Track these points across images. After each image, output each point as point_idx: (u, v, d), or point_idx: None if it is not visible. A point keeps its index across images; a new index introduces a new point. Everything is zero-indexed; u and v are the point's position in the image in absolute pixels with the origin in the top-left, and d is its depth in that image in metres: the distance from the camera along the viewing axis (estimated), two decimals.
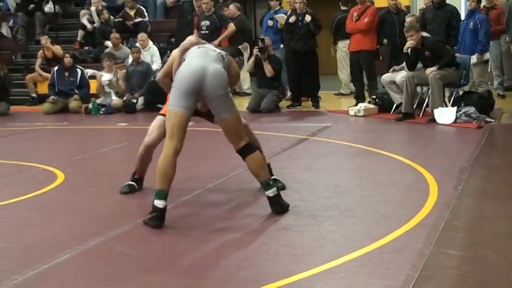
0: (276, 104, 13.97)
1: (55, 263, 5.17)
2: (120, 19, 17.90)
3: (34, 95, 16.77)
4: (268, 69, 13.60)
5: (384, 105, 12.85)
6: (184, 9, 18.36)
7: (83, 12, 18.78)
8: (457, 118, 11.21)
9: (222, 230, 5.91)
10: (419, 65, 11.99)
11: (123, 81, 15.05)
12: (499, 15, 14.16)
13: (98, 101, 15.07)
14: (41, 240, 5.81)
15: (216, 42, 12.53)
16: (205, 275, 4.90)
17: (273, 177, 6.92)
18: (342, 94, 16.21)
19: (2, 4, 20.57)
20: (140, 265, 5.14)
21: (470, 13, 13.59)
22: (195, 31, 14.72)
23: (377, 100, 13.05)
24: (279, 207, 6.28)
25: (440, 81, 11.59)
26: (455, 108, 11.39)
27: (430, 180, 7.34)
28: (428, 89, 11.92)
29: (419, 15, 14.20)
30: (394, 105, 12.56)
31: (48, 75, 16.24)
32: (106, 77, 15.07)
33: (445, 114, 11.34)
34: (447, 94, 12.74)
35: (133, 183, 7.35)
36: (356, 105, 13.28)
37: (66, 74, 15.62)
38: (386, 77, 12.74)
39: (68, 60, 15.61)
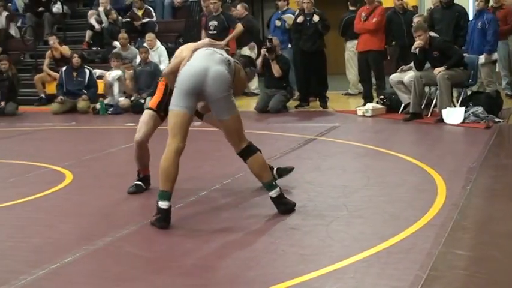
0: (283, 104, 13.96)
1: (63, 263, 5.18)
2: (128, 19, 17.91)
3: (42, 95, 16.79)
4: (276, 70, 13.59)
5: (392, 105, 12.82)
6: (192, 10, 18.36)
7: (90, 12, 18.79)
8: (465, 118, 11.19)
9: (229, 231, 5.91)
10: (428, 65, 11.97)
11: (130, 81, 15.07)
12: (506, 15, 14.12)
13: (106, 101, 15.09)
14: (49, 240, 5.83)
15: (224, 42, 12.54)
16: (212, 275, 4.90)
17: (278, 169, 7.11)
18: (350, 94, 16.18)
19: (10, 5, 20.61)
20: (147, 265, 5.15)
21: (479, 13, 13.55)
22: (203, 31, 14.73)
23: (385, 100, 13.03)
24: (284, 206, 6.29)
25: (448, 81, 11.56)
26: (464, 108, 11.37)
27: (439, 180, 7.32)
28: (437, 89, 11.89)
29: (427, 15, 14.17)
30: (402, 105, 12.54)
31: (57, 75, 16.27)
32: (114, 73, 15.11)
33: (453, 115, 11.32)
34: (455, 94, 12.71)
35: (140, 183, 7.36)
36: (364, 105, 13.26)
37: (74, 74, 15.64)
38: (394, 77, 12.72)
39: (76, 60, 15.63)
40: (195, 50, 6.44)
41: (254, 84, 16.38)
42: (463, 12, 13.46)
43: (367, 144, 9.78)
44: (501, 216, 6.13)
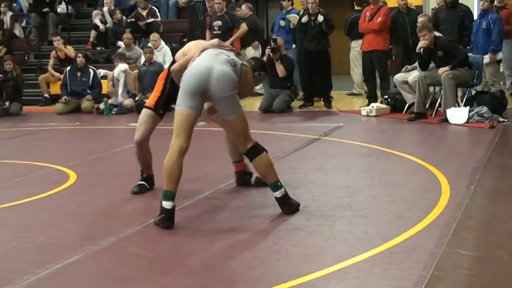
0: (288, 104, 13.97)
1: (67, 263, 5.18)
2: (133, 19, 17.93)
3: (47, 95, 16.80)
4: (280, 70, 13.59)
5: (396, 105, 12.83)
6: (196, 10, 18.36)
7: (95, 12, 18.82)
8: (469, 118, 11.18)
9: (233, 231, 5.91)
10: (432, 64, 11.96)
11: (134, 81, 15.10)
12: (509, 15, 14.11)
13: (110, 101, 15.10)
14: (53, 240, 5.83)
15: (228, 42, 12.53)
16: (216, 275, 4.90)
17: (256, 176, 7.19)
18: (354, 94, 16.18)
19: (15, 5, 20.64)
20: (151, 265, 5.15)
21: (483, 13, 13.54)
22: (207, 31, 14.73)
23: (389, 100, 13.03)
24: (289, 207, 6.28)
25: (452, 81, 11.55)
26: (468, 108, 11.36)
27: (443, 180, 7.31)
28: (441, 89, 11.89)
29: (432, 15, 14.16)
30: (407, 105, 12.54)
31: (60, 76, 16.31)
32: (120, 67, 15.16)
33: (458, 114, 11.31)
34: (460, 94, 12.71)
35: (143, 182, 7.36)
36: (368, 105, 13.25)
37: (79, 74, 15.66)
38: (398, 76, 12.71)
39: (80, 60, 15.65)
40: (203, 49, 6.43)
41: (258, 84, 16.37)
42: (467, 12, 13.46)
43: (371, 144, 9.77)
44: (505, 216, 6.12)
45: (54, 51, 17.03)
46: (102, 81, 15.91)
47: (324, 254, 5.21)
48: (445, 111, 11.51)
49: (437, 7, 14.46)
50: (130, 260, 5.29)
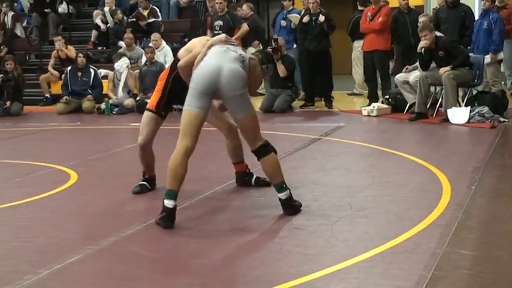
0: (289, 104, 13.97)
1: (68, 263, 5.18)
2: (134, 19, 17.93)
3: (48, 95, 16.80)
4: (281, 69, 13.58)
5: (397, 105, 12.83)
6: (197, 9, 18.37)
7: (96, 12, 18.83)
8: (470, 118, 11.18)
9: (234, 230, 5.90)
10: (433, 64, 11.95)
11: (134, 79, 15.13)
12: (509, 15, 14.11)
13: (111, 101, 15.10)
14: (54, 240, 5.83)
15: (233, 39, 12.53)
16: (216, 275, 4.90)
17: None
18: (355, 94, 16.18)
19: (16, 4, 20.65)
20: (152, 265, 5.15)
21: (485, 12, 13.55)
22: (208, 31, 14.73)
23: (390, 100, 13.03)
24: (292, 209, 6.25)
25: (453, 81, 11.55)
26: (469, 108, 11.36)
27: (443, 180, 7.31)
28: (442, 89, 11.89)
29: (433, 15, 14.16)
30: (408, 105, 12.54)
31: (57, 73, 16.43)
32: (121, 61, 15.18)
33: (459, 114, 11.31)
34: (461, 94, 12.71)
35: (145, 183, 7.36)
36: (369, 105, 13.25)
37: (79, 74, 15.66)
38: (399, 76, 12.71)
39: (81, 60, 15.65)
40: (210, 45, 6.42)
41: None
42: (468, 11, 13.47)
43: (372, 144, 9.77)
44: (506, 216, 6.12)
45: (55, 51, 17.02)
46: (103, 81, 15.92)
47: (324, 254, 5.21)
48: (446, 111, 11.51)
49: (438, 7, 14.45)
50: (131, 260, 5.29)
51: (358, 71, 15.73)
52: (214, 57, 6.23)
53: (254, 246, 5.54)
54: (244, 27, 14.56)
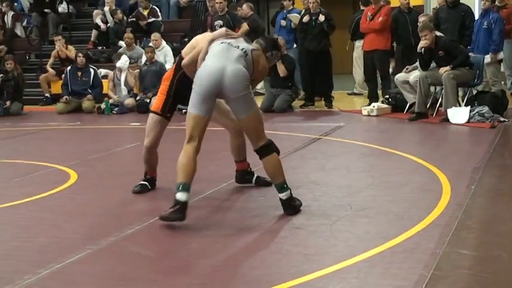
0: (289, 103, 13.98)
1: (68, 263, 5.18)
2: (134, 19, 17.93)
3: (47, 95, 16.81)
4: (281, 69, 13.59)
5: (397, 104, 12.83)
6: (197, 9, 18.37)
7: (96, 12, 18.84)
8: (470, 118, 11.18)
9: (234, 230, 5.90)
10: (433, 64, 11.96)
11: (134, 78, 15.15)
12: (509, 15, 14.11)
13: (111, 100, 15.10)
14: (54, 240, 5.83)
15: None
16: (217, 274, 4.90)
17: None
18: (355, 94, 16.18)
19: (16, 4, 20.65)
20: (152, 265, 5.15)
21: (485, 12, 13.55)
22: (208, 31, 14.71)
23: (390, 100, 13.03)
24: (292, 210, 6.25)
25: (453, 81, 11.55)
26: (469, 107, 11.37)
27: (443, 180, 7.31)
28: (442, 89, 11.89)
29: (433, 15, 14.17)
30: (408, 105, 12.54)
31: (54, 72, 16.52)
32: (123, 59, 15.20)
33: (459, 114, 11.31)
34: (460, 94, 12.72)
35: (145, 182, 7.35)
36: (369, 104, 13.26)
37: (79, 74, 15.66)
38: (399, 76, 12.71)
39: (80, 59, 15.64)
40: (211, 40, 6.40)
41: (260, 84, 16.37)
42: (468, 11, 13.47)
43: (372, 143, 9.77)
44: (506, 216, 6.12)
45: (55, 51, 17.01)
46: (103, 80, 15.92)
47: (324, 254, 5.21)
48: (445, 111, 11.51)
49: (438, 7, 14.46)
50: (130, 260, 5.29)
51: (358, 71, 15.73)
52: (216, 57, 6.20)
53: (254, 246, 5.53)
54: (244, 26, 14.57)
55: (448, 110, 11.41)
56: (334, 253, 5.18)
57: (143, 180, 7.36)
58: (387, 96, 13.22)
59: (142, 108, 14.59)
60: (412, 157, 8.61)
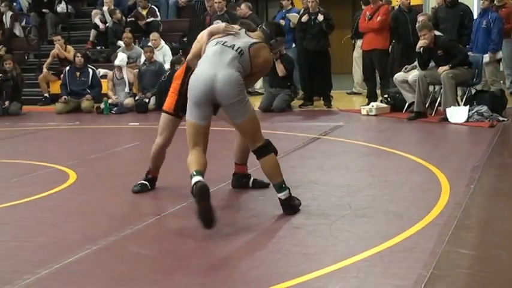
0: (288, 103, 13.98)
1: (67, 263, 5.18)
2: (133, 19, 17.93)
3: (46, 95, 16.80)
4: (280, 69, 13.59)
5: (396, 104, 12.84)
6: (196, 9, 18.35)
7: (95, 12, 18.84)
8: (469, 117, 11.19)
9: (233, 230, 5.90)
10: (432, 64, 11.96)
11: (134, 76, 15.18)
12: (509, 14, 14.11)
13: (110, 100, 15.10)
14: (53, 240, 5.83)
15: None
16: (217, 274, 4.90)
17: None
18: (354, 93, 16.19)
19: (15, 4, 20.64)
20: (152, 265, 5.15)
21: (483, 12, 13.56)
22: None
23: (389, 99, 13.04)
24: (291, 209, 6.24)
25: (452, 80, 11.56)
26: (468, 107, 11.37)
27: (442, 179, 7.32)
28: (441, 88, 11.90)
29: (432, 14, 14.16)
30: (406, 104, 12.55)
31: (49, 72, 16.53)
32: (120, 56, 15.22)
33: (458, 113, 11.32)
34: (459, 93, 12.72)
35: (145, 182, 7.33)
36: (368, 104, 13.26)
37: (78, 74, 15.64)
38: (398, 76, 12.72)
39: (78, 59, 15.63)
40: (210, 34, 6.37)
41: (258, 84, 16.39)
42: (467, 11, 13.48)
43: (371, 143, 9.78)
44: (505, 215, 6.12)
45: (54, 50, 16.99)
46: (102, 80, 15.91)
47: (324, 253, 5.21)
48: (444, 111, 11.51)
49: (437, 6, 14.46)
50: (130, 260, 5.28)
51: (358, 70, 15.74)
52: (207, 63, 6.13)
53: (253, 245, 5.53)
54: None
55: (447, 110, 11.41)
56: (333, 253, 5.18)
57: (144, 180, 7.35)
58: (386, 95, 13.22)
59: (141, 108, 14.62)
60: (411, 156, 8.61)
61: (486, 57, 13.05)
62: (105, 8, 18.23)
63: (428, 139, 10.43)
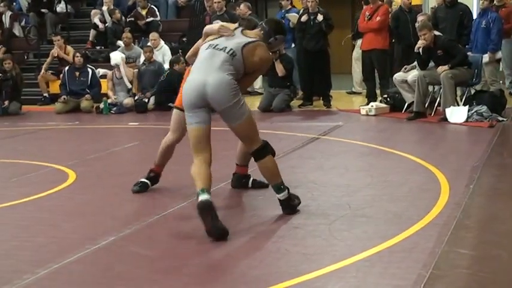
0: (287, 103, 13.98)
1: (66, 262, 5.18)
2: (132, 19, 17.92)
3: (46, 95, 16.77)
4: (279, 69, 13.59)
5: (396, 104, 12.83)
6: (195, 9, 18.32)
7: (94, 11, 18.82)
8: (468, 117, 11.19)
9: (233, 230, 5.88)
10: (431, 64, 11.96)
11: (132, 75, 15.18)
12: (508, 14, 14.11)
13: (110, 100, 15.09)
14: (53, 240, 5.82)
15: None
16: (216, 274, 4.91)
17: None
18: (354, 92, 16.18)
19: (14, 4, 20.63)
20: (151, 265, 5.15)
21: (483, 12, 13.56)
22: None
23: (388, 99, 13.03)
24: (290, 210, 6.24)
25: (452, 80, 11.56)
26: (467, 107, 11.37)
27: (442, 179, 7.32)
28: (440, 88, 11.90)
29: (431, 14, 14.17)
30: (406, 104, 12.55)
31: (43, 71, 16.58)
32: (117, 54, 15.24)
33: (457, 113, 11.32)
34: (459, 93, 12.72)
35: (146, 181, 7.29)
36: (367, 104, 13.26)
37: (77, 74, 15.61)
38: (398, 76, 12.72)
39: (78, 59, 15.61)
40: (206, 35, 6.36)
41: (258, 84, 16.38)
42: (466, 11, 13.49)
43: (370, 143, 9.78)
44: (504, 215, 6.13)
45: (54, 49, 16.98)
46: (101, 80, 15.90)
47: (323, 253, 5.21)
48: (444, 111, 11.51)
49: (436, 6, 14.46)
50: (130, 260, 5.28)
51: (357, 70, 15.73)
52: (198, 69, 6.10)
53: (253, 245, 5.53)
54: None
55: (447, 110, 11.41)
56: (332, 253, 5.18)
57: (145, 178, 7.32)
58: (385, 95, 13.22)
59: (141, 108, 14.61)
60: (411, 156, 8.61)
61: (486, 57, 13.05)
62: (104, 8, 18.21)
63: (428, 139, 10.43)
